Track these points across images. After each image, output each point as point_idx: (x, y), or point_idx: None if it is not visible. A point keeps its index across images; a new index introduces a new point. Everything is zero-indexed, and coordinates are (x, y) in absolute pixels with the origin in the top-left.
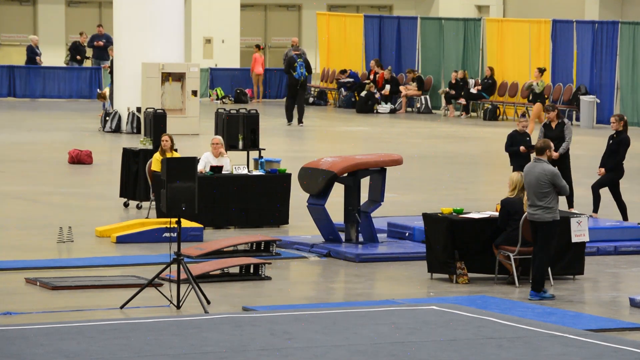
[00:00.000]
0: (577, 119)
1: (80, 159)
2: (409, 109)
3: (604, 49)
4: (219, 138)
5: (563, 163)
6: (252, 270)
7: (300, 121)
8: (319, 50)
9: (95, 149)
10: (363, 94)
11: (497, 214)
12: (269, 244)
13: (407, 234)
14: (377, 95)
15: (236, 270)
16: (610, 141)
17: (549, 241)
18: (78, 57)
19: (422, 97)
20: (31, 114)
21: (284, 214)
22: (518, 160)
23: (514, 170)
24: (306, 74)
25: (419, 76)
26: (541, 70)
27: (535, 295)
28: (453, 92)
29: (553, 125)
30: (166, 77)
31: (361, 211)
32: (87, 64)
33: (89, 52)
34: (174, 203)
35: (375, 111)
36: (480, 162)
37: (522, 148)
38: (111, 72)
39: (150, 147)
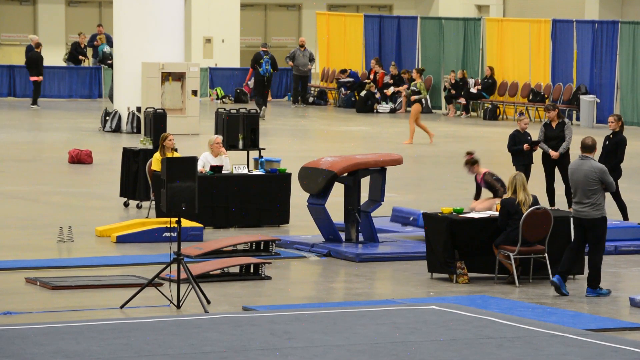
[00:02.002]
0: (577, 119)
1: (80, 158)
2: (409, 109)
3: (604, 48)
4: (220, 138)
5: (563, 163)
6: (252, 270)
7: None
8: (319, 49)
9: (95, 148)
10: (362, 93)
11: (497, 213)
12: (269, 244)
13: (411, 219)
14: (377, 95)
15: (236, 270)
16: (607, 142)
17: (602, 238)
18: (80, 57)
19: None
20: (31, 114)
21: (284, 213)
22: (522, 160)
23: (517, 170)
24: (271, 70)
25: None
26: (419, 71)
27: (592, 292)
28: (453, 91)
29: (553, 124)
30: (166, 76)
31: (361, 211)
32: (85, 63)
33: (89, 51)
34: (174, 203)
35: (375, 111)
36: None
37: (525, 146)
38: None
39: (150, 146)
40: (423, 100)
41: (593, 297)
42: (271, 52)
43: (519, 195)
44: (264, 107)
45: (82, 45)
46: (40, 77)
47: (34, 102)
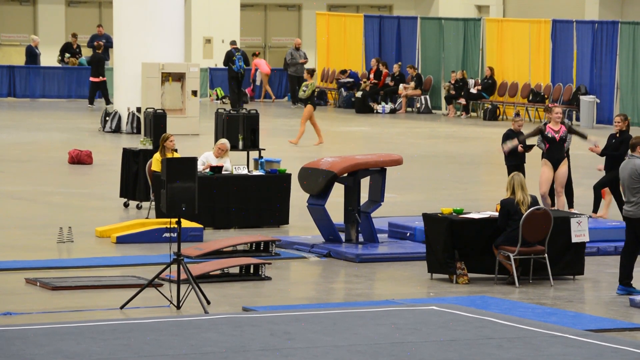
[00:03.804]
0: (577, 119)
1: (80, 159)
2: (409, 109)
3: (604, 48)
4: (227, 145)
5: None
6: (252, 271)
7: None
8: (318, 50)
9: (95, 149)
10: (359, 93)
11: (496, 214)
12: (269, 244)
13: (408, 234)
14: (368, 91)
15: (236, 270)
16: (613, 140)
17: None
18: (67, 58)
19: (422, 97)
20: (31, 114)
21: (284, 214)
22: (514, 159)
23: (508, 169)
24: (244, 66)
25: (418, 74)
26: (310, 72)
27: (623, 290)
28: (453, 92)
29: None
30: (166, 77)
31: (361, 211)
32: (71, 64)
33: (89, 51)
34: (174, 203)
35: (375, 111)
36: (480, 162)
37: (519, 148)
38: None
39: (150, 147)
40: (315, 98)
41: (623, 294)
42: (271, 53)
43: (517, 194)
44: (240, 104)
45: (75, 46)
46: (100, 78)
47: (92, 102)
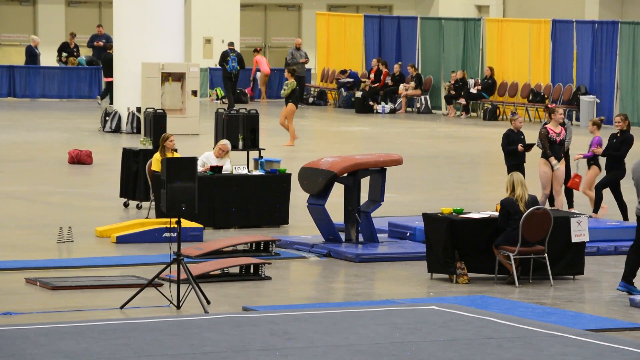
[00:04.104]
0: (577, 119)
1: (80, 159)
2: (409, 109)
3: (604, 48)
4: (228, 146)
5: (564, 163)
6: (252, 270)
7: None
8: (318, 50)
9: (95, 149)
10: (359, 93)
11: (497, 214)
12: (269, 244)
13: (408, 234)
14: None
15: (236, 270)
16: (614, 140)
17: None
18: (64, 57)
19: (422, 97)
20: (31, 114)
21: (284, 214)
22: (514, 159)
23: (508, 169)
24: (238, 67)
25: (418, 74)
26: (291, 71)
27: (624, 287)
28: (453, 92)
29: None
30: (166, 77)
31: (361, 211)
32: (70, 63)
33: (89, 51)
34: (174, 203)
35: (375, 111)
36: (480, 162)
37: (520, 147)
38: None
39: (150, 147)
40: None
41: (623, 291)
42: (271, 53)
43: (517, 190)
44: (234, 104)
45: (72, 45)
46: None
47: (103, 98)
